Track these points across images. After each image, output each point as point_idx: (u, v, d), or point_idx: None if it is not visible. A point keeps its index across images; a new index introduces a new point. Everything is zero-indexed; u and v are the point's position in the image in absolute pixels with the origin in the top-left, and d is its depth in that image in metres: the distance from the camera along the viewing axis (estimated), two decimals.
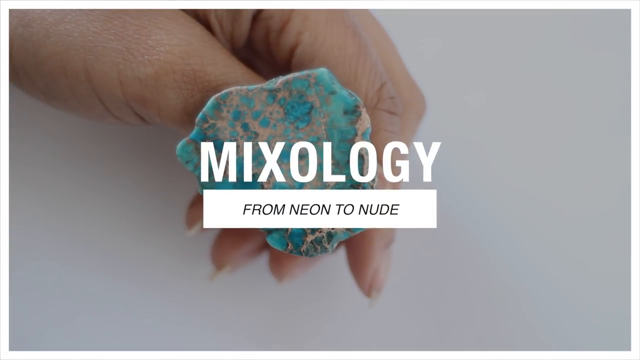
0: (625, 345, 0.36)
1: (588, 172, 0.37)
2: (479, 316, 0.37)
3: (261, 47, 0.29)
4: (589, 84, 0.38)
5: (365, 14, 0.32)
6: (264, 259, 0.35)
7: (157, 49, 0.26)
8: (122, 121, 0.29)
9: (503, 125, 0.38)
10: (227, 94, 0.25)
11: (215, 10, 0.28)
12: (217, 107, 0.25)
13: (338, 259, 0.35)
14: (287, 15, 0.28)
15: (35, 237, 0.35)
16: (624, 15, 0.38)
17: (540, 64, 0.38)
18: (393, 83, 0.31)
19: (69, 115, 0.30)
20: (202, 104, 0.26)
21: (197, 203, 0.33)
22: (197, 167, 0.26)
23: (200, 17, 0.28)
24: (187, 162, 0.26)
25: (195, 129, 0.25)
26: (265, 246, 0.34)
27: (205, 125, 0.25)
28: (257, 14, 0.28)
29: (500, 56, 0.38)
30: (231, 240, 0.33)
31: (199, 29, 0.27)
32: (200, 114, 0.25)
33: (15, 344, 0.34)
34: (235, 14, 0.28)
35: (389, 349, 0.36)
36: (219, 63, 0.27)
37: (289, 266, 0.33)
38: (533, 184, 0.37)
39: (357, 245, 0.31)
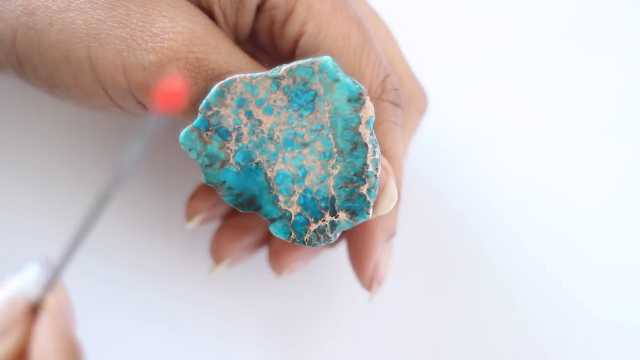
0: None
1: (589, 170, 0.37)
2: (479, 315, 0.37)
3: (265, 39, 0.29)
4: (590, 84, 0.38)
5: (366, 8, 0.32)
6: (263, 253, 0.35)
7: (161, 36, 0.26)
8: (125, 110, 0.29)
9: (504, 124, 0.38)
10: (231, 82, 0.25)
11: (219, 0, 0.28)
12: (221, 94, 0.25)
13: (337, 254, 0.35)
14: (292, 5, 0.28)
15: (36, 236, 0.35)
16: (625, 15, 0.38)
17: (540, 64, 0.38)
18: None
19: (72, 105, 0.30)
20: (206, 92, 0.26)
21: (197, 195, 0.33)
22: (201, 154, 0.26)
23: (204, 7, 0.28)
24: (190, 150, 0.26)
25: (199, 117, 0.25)
26: (265, 240, 0.34)
27: (209, 113, 0.25)
28: (261, 5, 0.28)
29: (500, 55, 0.38)
30: (230, 234, 0.33)
31: (202, 18, 0.27)
32: (204, 102, 0.25)
33: None
34: (239, 4, 0.28)
35: (390, 345, 0.36)
36: (223, 52, 0.27)
37: (288, 260, 0.33)
38: (535, 183, 0.37)
39: (358, 237, 0.31)
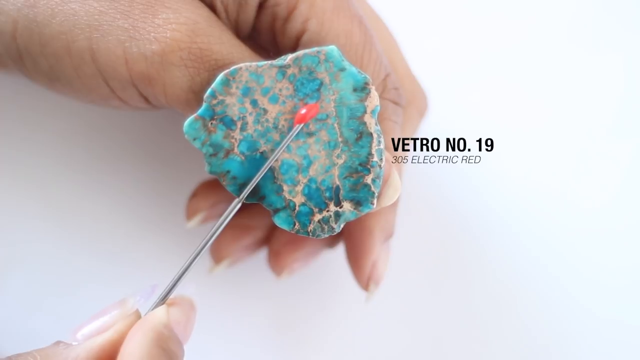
0: None
1: (589, 170, 0.38)
2: (478, 314, 0.37)
3: (265, 37, 0.29)
4: (590, 84, 0.38)
5: (368, 10, 0.32)
6: (263, 254, 0.35)
7: (164, 27, 0.26)
8: (126, 104, 0.28)
9: (504, 125, 0.38)
10: (236, 70, 0.25)
11: None
12: (226, 83, 0.25)
13: (336, 256, 0.35)
14: (294, 2, 0.28)
15: (38, 235, 0.35)
16: (625, 16, 0.38)
17: (540, 64, 0.38)
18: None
19: (72, 100, 0.30)
20: (209, 82, 0.26)
21: (197, 194, 0.33)
22: (205, 144, 0.25)
23: (206, 2, 0.28)
24: (194, 139, 0.25)
25: (204, 105, 0.25)
26: (265, 241, 0.33)
27: (214, 102, 0.25)
28: (263, 1, 0.28)
29: (500, 56, 0.38)
30: (231, 234, 0.33)
31: (205, 10, 0.27)
32: (209, 90, 0.25)
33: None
34: (241, 0, 0.28)
35: (388, 346, 0.36)
36: (226, 43, 0.27)
37: (287, 261, 0.32)
38: (535, 183, 0.37)
39: (356, 236, 0.31)
